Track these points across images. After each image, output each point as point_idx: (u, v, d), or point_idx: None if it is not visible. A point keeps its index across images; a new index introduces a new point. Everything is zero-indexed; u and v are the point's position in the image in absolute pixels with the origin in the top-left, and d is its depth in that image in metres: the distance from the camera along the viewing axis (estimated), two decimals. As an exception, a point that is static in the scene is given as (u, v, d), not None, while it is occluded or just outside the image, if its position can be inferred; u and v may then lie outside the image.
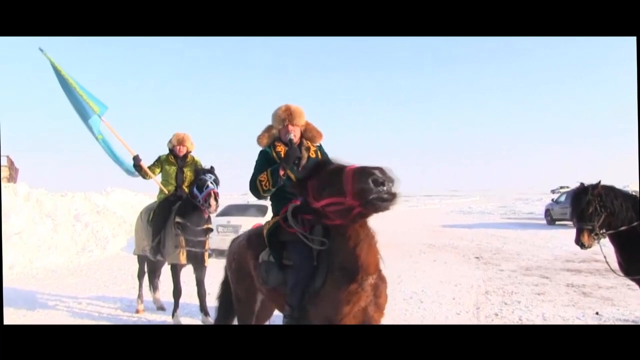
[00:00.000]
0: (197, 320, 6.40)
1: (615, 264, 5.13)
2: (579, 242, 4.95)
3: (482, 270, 10.57)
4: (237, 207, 14.33)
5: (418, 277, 9.58)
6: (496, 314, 6.76)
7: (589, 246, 4.94)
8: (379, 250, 3.20)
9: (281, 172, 3.69)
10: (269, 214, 14.10)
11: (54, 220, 13.94)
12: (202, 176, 6.03)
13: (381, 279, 3.26)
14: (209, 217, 6.29)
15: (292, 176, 3.72)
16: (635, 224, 4.82)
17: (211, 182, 5.97)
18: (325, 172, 3.01)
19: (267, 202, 14.58)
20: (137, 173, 6.83)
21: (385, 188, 2.71)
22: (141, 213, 7.10)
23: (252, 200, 18.39)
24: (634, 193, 5.48)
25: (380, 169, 2.74)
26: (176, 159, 6.84)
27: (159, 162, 6.89)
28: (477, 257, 12.63)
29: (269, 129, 4.08)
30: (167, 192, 6.72)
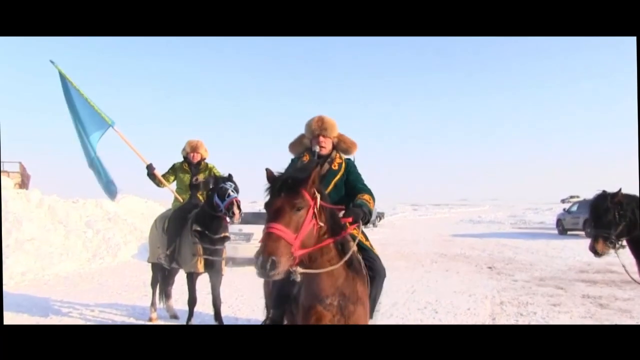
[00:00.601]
0: (210, 328, 6.37)
1: (635, 275, 5.04)
2: (593, 248, 4.81)
3: (496, 280, 10.48)
4: (249, 215, 14.28)
5: (431, 287, 9.51)
6: (512, 325, 6.68)
7: (603, 254, 4.79)
8: (347, 272, 3.11)
9: None
10: (280, 222, 14.09)
11: (65, 227, 14.00)
12: (222, 185, 5.94)
13: (352, 301, 3.10)
14: (226, 225, 6.24)
15: None
16: None
17: (232, 191, 5.89)
18: (271, 206, 2.79)
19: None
20: (113, 196, 6.90)
21: (258, 272, 2.57)
22: (155, 221, 7.06)
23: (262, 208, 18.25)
24: None
25: (259, 255, 2.55)
26: (190, 166, 6.82)
27: (173, 170, 6.87)
28: (490, 267, 12.54)
29: (300, 138, 4.10)
30: (181, 200, 6.70)
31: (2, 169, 21.58)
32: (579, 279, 10.54)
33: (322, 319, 3.01)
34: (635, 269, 5.07)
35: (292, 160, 4.03)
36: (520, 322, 6.81)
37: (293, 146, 4.13)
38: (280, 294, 3.36)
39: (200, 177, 6.69)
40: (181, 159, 6.95)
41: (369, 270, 3.42)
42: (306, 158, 3.90)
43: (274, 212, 2.72)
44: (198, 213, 6.16)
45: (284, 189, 2.76)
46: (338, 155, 4.01)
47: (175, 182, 6.90)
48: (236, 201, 5.83)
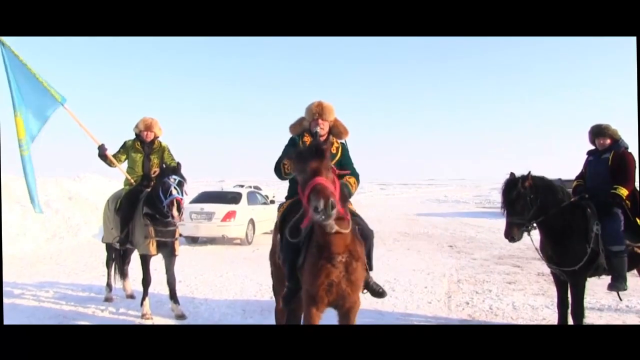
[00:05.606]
0: (166, 308, 6.31)
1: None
2: (508, 235, 4.88)
3: (455, 258, 10.65)
4: (211, 194, 14.24)
5: (391, 265, 9.61)
6: (467, 303, 6.81)
7: (518, 239, 4.94)
8: (352, 234, 3.53)
9: None
10: (243, 202, 14.06)
11: (23, 207, 13.63)
12: (165, 179, 5.65)
13: (355, 258, 3.54)
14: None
15: None
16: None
17: (175, 188, 5.58)
18: (308, 167, 3.22)
19: (242, 190, 14.75)
20: (38, 207, 6.51)
21: (319, 216, 3.01)
22: (108, 201, 6.89)
23: (226, 187, 18.35)
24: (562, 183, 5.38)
25: (320, 199, 2.99)
26: (143, 145, 6.55)
27: (125, 149, 6.59)
28: (451, 246, 12.73)
29: (301, 120, 4.49)
30: (132, 181, 6.49)
31: None
32: (536, 257, 10.62)
33: (331, 275, 3.45)
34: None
35: (293, 139, 4.42)
36: (475, 300, 6.95)
37: (293, 127, 4.51)
38: (292, 267, 3.78)
39: (156, 167, 6.39)
40: (133, 136, 6.65)
41: (362, 231, 3.89)
42: (307, 138, 4.32)
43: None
44: (148, 195, 6.01)
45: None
46: (335, 139, 4.42)
47: (126, 162, 6.64)
48: (177, 201, 5.56)
